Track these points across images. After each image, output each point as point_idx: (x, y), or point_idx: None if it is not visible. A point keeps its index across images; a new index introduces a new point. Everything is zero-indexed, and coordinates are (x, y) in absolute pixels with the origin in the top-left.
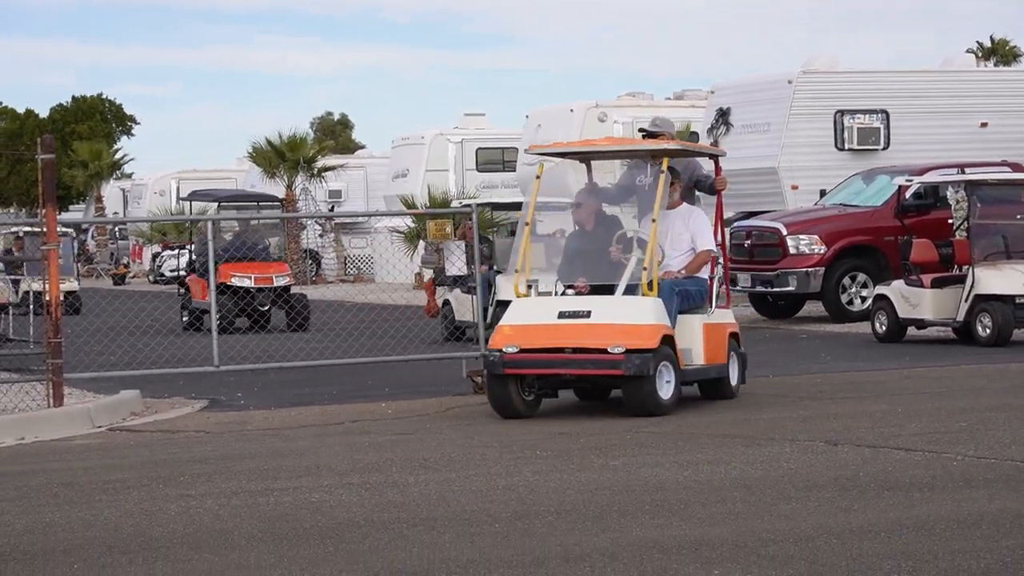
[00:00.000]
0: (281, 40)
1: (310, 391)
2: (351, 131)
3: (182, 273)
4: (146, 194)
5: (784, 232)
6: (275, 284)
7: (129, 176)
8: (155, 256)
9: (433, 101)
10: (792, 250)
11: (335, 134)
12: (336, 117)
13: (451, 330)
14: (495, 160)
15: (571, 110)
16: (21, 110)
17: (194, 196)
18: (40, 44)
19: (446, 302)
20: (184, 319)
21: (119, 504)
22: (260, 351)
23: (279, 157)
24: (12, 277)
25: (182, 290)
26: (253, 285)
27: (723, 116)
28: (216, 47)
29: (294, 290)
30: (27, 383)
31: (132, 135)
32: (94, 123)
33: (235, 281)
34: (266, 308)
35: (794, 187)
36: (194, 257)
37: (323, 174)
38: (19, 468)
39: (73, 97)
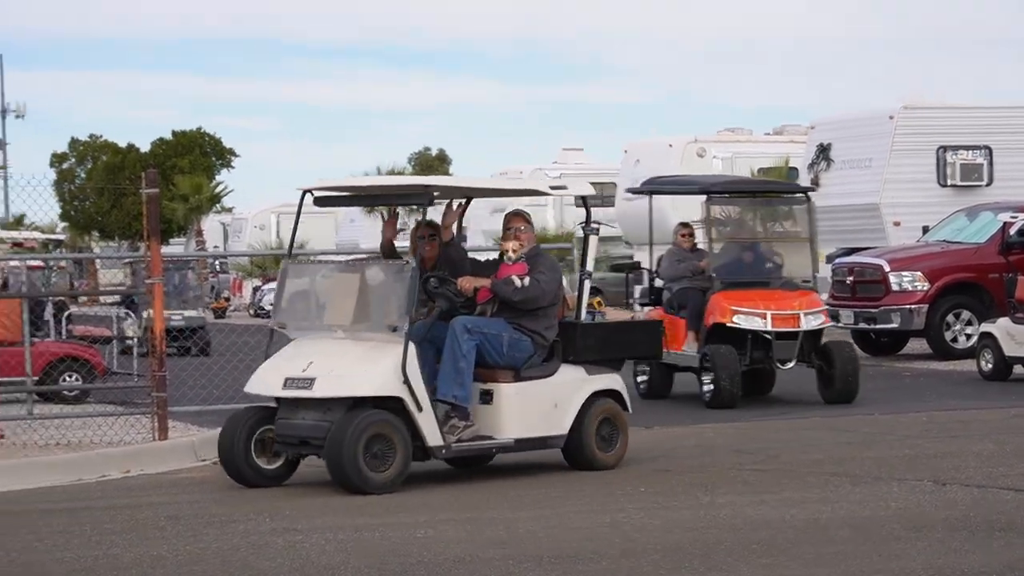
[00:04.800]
0: (379, 75)
1: None
2: (449, 166)
3: None
4: (246, 228)
5: (887, 269)
6: None
7: (229, 210)
8: (255, 290)
9: (531, 135)
10: (895, 287)
11: (433, 169)
12: (434, 152)
13: None
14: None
15: (669, 145)
16: (123, 144)
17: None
18: (141, 79)
19: None
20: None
21: (226, 538)
22: None
23: None
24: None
25: None
26: None
27: (823, 152)
28: (316, 81)
29: None
30: (132, 416)
31: (232, 169)
32: (194, 157)
33: None
34: None
35: (896, 223)
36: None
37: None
38: (126, 501)
39: (173, 131)
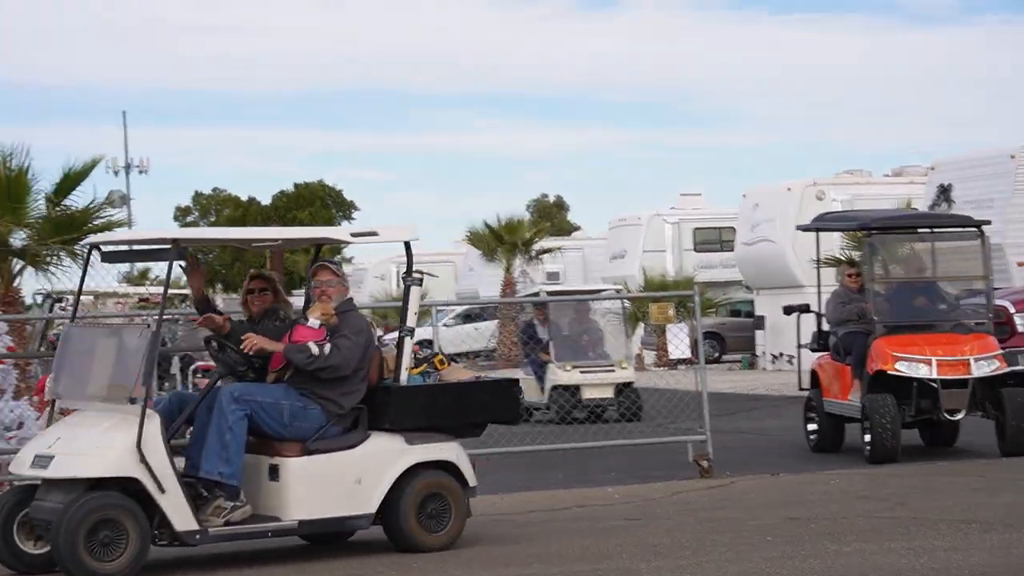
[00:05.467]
0: (497, 123)
1: (535, 476)
2: (567, 212)
3: None
4: (367, 279)
5: (1012, 310)
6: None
7: (349, 261)
8: (377, 339)
9: (649, 181)
10: (1021, 328)
11: (551, 216)
12: (552, 199)
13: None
14: (712, 240)
15: (788, 189)
16: (244, 198)
17: None
18: (263, 133)
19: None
20: None
21: None
22: (485, 436)
23: (496, 240)
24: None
25: None
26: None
27: (944, 192)
28: (433, 132)
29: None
30: None
31: (352, 220)
32: (315, 209)
33: None
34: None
35: (1021, 264)
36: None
37: (540, 256)
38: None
39: (295, 184)
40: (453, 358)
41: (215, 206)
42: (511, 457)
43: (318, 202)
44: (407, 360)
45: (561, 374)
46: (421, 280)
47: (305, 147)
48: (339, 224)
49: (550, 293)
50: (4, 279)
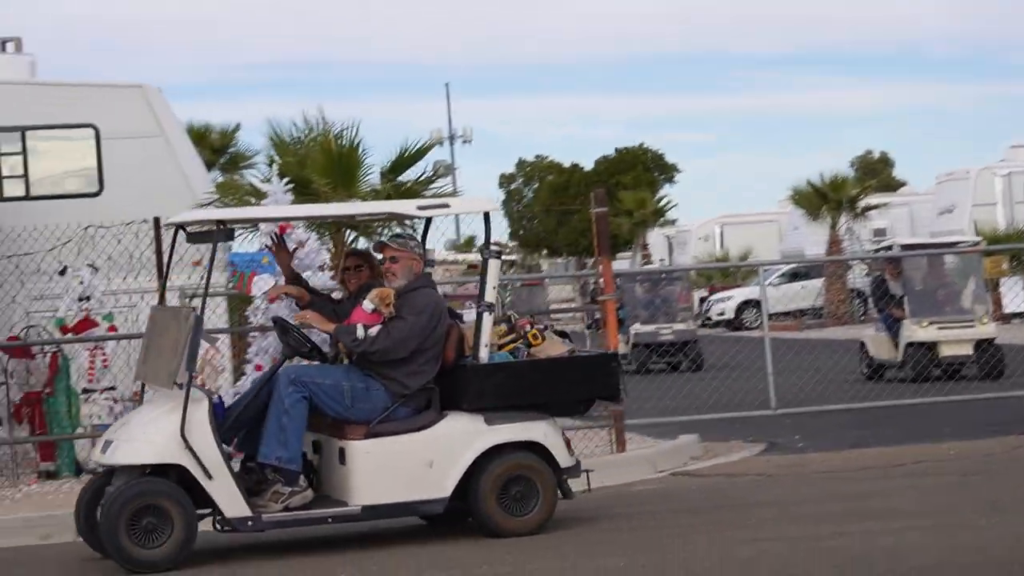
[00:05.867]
0: (818, 81)
1: (867, 432)
2: (892, 168)
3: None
4: (690, 240)
5: None
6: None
7: (673, 223)
8: (702, 300)
9: (976, 134)
10: None
11: (876, 172)
12: (876, 155)
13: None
14: None
15: None
16: (567, 164)
17: None
18: (584, 99)
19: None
20: None
21: (689, 549)
22: (816, 393)
23: (821, 199)
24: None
25: None
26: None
27: None
28: (753, 92)
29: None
30: (590, 429)
31: (674, 183)
32: (637, 173)
33: None
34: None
35: None
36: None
37: (867, 213)
38: (588, 513)
39: (616, 149)
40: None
41: (538, 173)
42: (841, 414)
43: (639, 166)
44: (486, 337)
45: (917, 331)
46: (500, 253)
47: (626, 112)
48: (661, 186)
49: (904, 247)
50: (337, 250)
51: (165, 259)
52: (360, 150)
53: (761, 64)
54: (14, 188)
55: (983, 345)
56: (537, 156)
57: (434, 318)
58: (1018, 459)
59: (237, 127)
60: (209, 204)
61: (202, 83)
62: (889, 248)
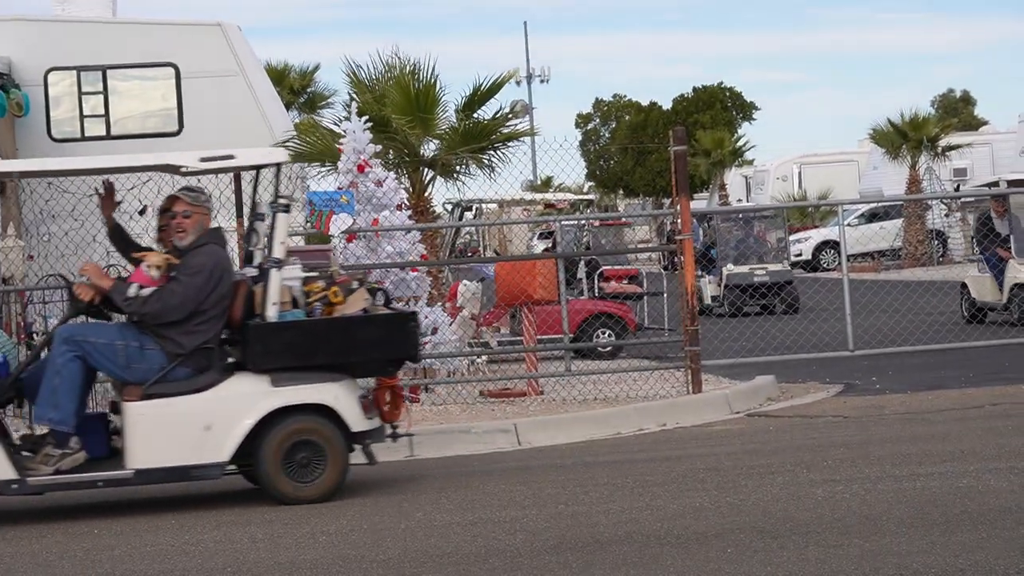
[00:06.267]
0: (900, 18)
1: (946, 374)
2: (973, 108)
3: (804, 259)
4: (768, 180)
5: None
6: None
7: (751, 163)
8: (778, 241)
9: None
10: None
11: (957, 111)
12: (958, 94)
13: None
14: None
15: None
16: (645, 103)
17: None
18: (663, 38)
19: (964, 284)
20: None
21: (765, 489)
22: (894, 334)
23: (901, 138)
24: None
25: None
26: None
27: None
28: (835, 29)
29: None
30: (666, 370)
31: (753, 121)
32: (715, 112)
33: None
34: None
35: None
36: None
37: (947, 153)
38: (665, 453)
39: (694, 88)
40: (855, 257)
41: (616, 112)
42: (919, 355)
43: (718, 104)
44: (274, 295)
45: (1023, 272)
46: (288, 207)
47: (705, 50)
48: (739, 125)
49: (1010, 183)
50: (416, 188)
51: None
52: (438, 87)
53: (840, 1)
54: (95, 127)
55: None
56: (615, 95)
57: (213, 278)
58: None
59: (316, 67)
60: (287, 143)
61: (281, 22)
62: (995, 183)
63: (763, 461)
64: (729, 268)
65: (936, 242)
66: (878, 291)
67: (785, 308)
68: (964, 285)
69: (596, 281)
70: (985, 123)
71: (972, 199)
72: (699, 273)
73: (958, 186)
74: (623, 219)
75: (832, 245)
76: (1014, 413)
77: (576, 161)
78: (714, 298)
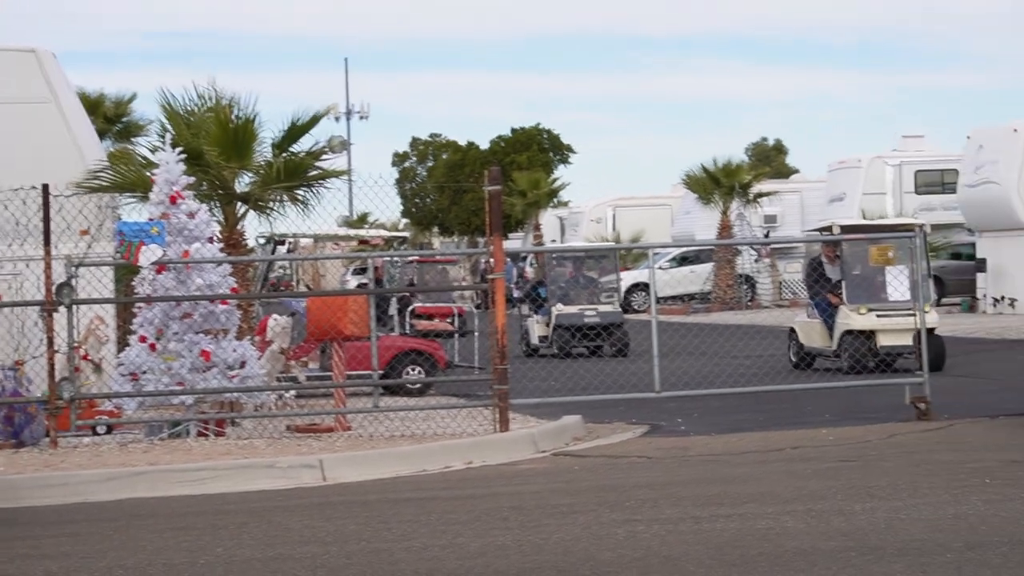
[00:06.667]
0: (714, 65)
1: (749, 417)
2: (785, 156)
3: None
4: (583, 222)
5: None
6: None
7: (566, 204)
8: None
9: (869, 124)
10: None
11: (769, 159)
12: (770, 142)
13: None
14: (934, 182)
15: (1014, 130)
16: (463, 142)
17: None
18: (481, 78)
19: (792, 329)
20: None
21: (567, 528)
22: (700, 377)
23: (714, 183)
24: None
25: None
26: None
27: None
28: (650, 74)
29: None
30: (474, 408)
31: (569, 163)
32: (532, 153)
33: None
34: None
35: None
36: None
37: (758, 200)
38: (469, 491)
39: (512, 128)
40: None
41: (433, 151)
42: (723, 398)
43: (535, 146)
44: None
45: (855, 318)
46: None
47: (523, 92)
48: (556, 167)
49: (844, 228)
50: (229, 222)
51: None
52: (256, 123)
53: (660, 47)
54: None
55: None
56: (432, 134)
57: None
58: (894, 445)
59: (132, 96)
60: (99, 172)
61: (98, 51)
62: (828, 229)
63: (566, 500)
64: (559, 308)
65: (745, 287)
66: (686, 334)
67: (615, 351)
68: (792, 331)
69: (407, 318)
70: (796, 172)
71: (782, 245)
72: (527, 313)
73: (767, 232)
74: (437, 256)
75: (643, 287)
76: (813, 456)
77: (392, 198)
78: (542, 338)
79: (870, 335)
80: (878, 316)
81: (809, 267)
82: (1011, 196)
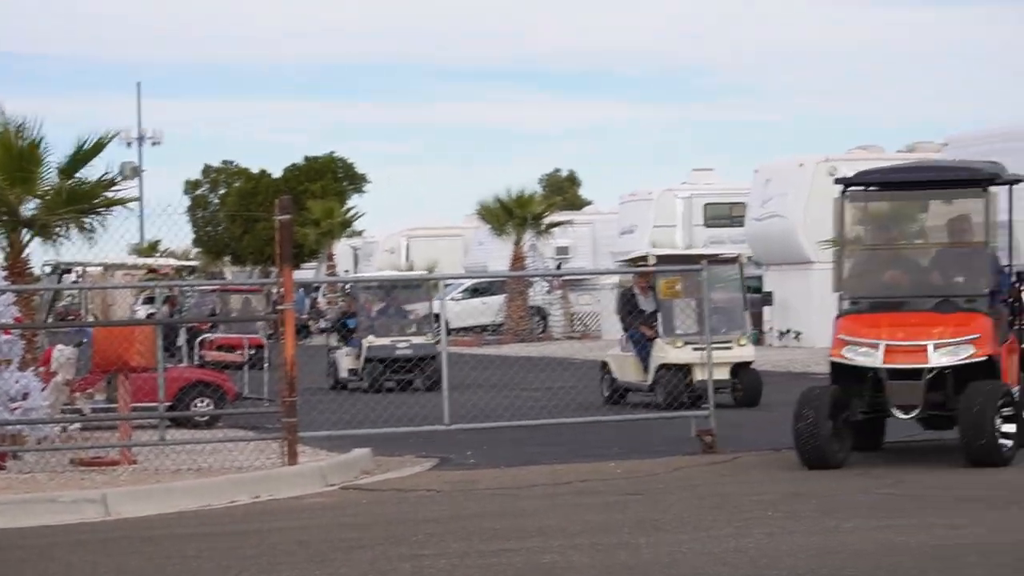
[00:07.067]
0: (511, 96)
1: (538, 450)
2: (579, 187)
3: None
4: (376, 252)
5: None
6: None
7: (360, 234)
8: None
9: (662, 156)
10: None
11: (563, 191)
12: (564, 174)
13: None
14: (723, 215)
15: (800, 164)
16: (255, 170)
17: None
18: (274, 106)
19: (604, 363)
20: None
21: (353, 563)
22: (489, 410)
23: (507, 214)
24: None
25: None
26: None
27: None
28: (447, 105)
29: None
30: (263, 441)
31: (364, 193)
32: (326, 182)
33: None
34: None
35: None
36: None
37: (551, 230)
38: (256, 526)
39: (306, 157)
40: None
41: (226, 179)
42: (513, 431)
43: (329, 175)
44: None
45: (670, 351)
46: None
47: (317, 120)
48: (350, 196)
49: (659, 258)
50: (13, 250)
51: None
52: (42, 146)
53: (455, 77)
54: None
55: (741, 369)
56: (225, 162)
57: None
58: (680, 479)
59: None
60: None
61: None
62: (644, 259)
63: (354, 535)
64: (370, 340)
65: (537, 318)
66: (476, 366)
67: (428, 384)
68: (605, 364)
69: (196, 349)
70: (589, 203)
71: (574, 277)
72: (336, 345)
73: (560, 264)
74: (230, 286)
75: (435, 318)
76: (601, 490)
77: (183, 226)
78: (352, 371)
79: (686, 369)
80: (695, 349)
81: (621, 299)
82: (797, 230)
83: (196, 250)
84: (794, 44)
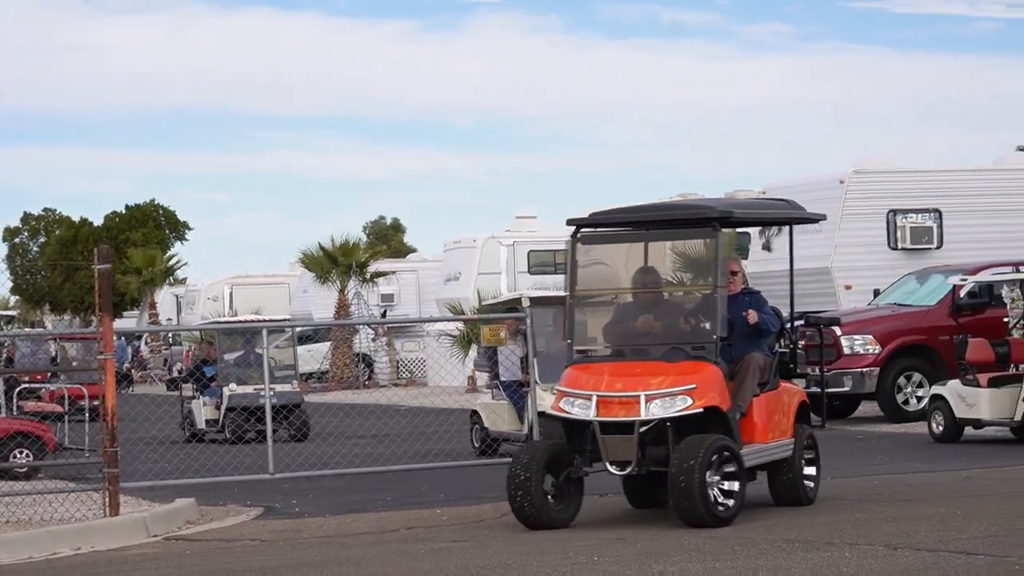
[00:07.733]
0: (335, 144)
1: (364, 497)
2: (404, 235)
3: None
4: (199, 300)
5: (838, 332)
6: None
7: (182, 282)
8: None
9: (486, 204)
10: (847, 350)
11: (388, 238)
12: (389, 221)
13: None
14: (547, 262)
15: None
16: (76, 218)
17: None
18: (94, 153)
19: (475, 411)
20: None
21: None
22: (315, 458)
23: (331, 262)
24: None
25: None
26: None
27: None
28: (270, 152)
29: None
30: (84, 492)
31: (186, 241)
32: (148, 230)
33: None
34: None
35: (847, 287)
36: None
37: (375, 279)
38: None
39: (127, 205)
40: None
41: (45, 226)
42: (339, 479)
43: (151, 223)
44: None
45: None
46: None
47: (139, 168)
48: (172, 244)
49: (533, 300)
50: None
51: None
52: None
53: (277, 125)
54: None
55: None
56: (45, 209)
57: None
58: (501, 524)
59: None
60: None
61: None
62: (518, 302)
63: None
64: (232, 388)
65: (362, 365)
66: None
67: (293, 434)
68: (475, 413)
69: (15, 399)
70: (414, 250)
71: (399, 324)
72: (191, 394)
73: (385, 311)
74: (47, 336)
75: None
76: (427, 536)
77: (1, 274)
78: (211, 422)
79: None
80: None
81: (485, 351)
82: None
83: (15, 298)
84: (619, 93)
